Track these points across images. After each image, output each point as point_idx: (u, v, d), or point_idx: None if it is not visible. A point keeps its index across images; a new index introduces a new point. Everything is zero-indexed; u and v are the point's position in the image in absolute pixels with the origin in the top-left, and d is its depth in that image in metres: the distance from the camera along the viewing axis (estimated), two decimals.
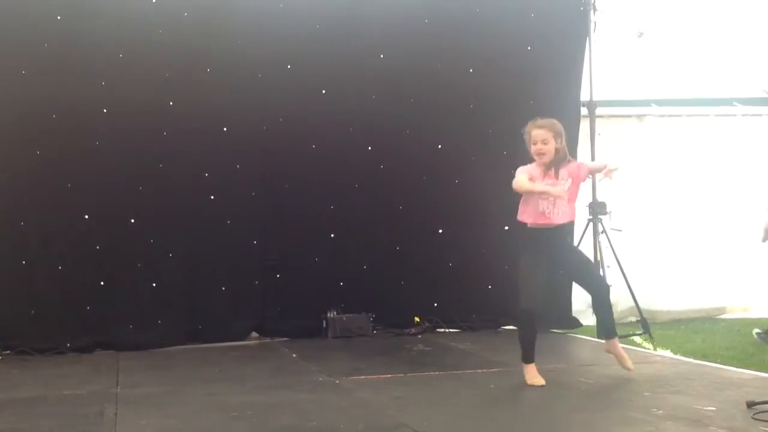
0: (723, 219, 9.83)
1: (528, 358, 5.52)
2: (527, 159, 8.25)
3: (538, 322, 5.59)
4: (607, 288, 5.69)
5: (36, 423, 4.63)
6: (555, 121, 5.48)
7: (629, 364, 5.70)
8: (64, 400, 5.22)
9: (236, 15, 7.58)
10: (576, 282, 6.01)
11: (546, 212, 5.40)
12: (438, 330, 8.09)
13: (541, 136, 5.38)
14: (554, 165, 5.41)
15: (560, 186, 5.35)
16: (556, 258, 5.51)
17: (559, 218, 5.41)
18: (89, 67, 7.19)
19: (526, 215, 5.52)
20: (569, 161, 5.53)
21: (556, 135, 5.39)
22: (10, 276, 7.11)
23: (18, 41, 7.07)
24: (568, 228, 5.53)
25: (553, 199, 5.34)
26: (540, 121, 5.45)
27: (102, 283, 7.32)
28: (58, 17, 7.17)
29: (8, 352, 6.99)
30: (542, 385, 5.34)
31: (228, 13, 7.57)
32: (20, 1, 7.16)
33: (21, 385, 5.79)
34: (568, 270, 5.80)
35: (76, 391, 5.49)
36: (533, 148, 5.41)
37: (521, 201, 5.55)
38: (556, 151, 5.38)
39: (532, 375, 5.45)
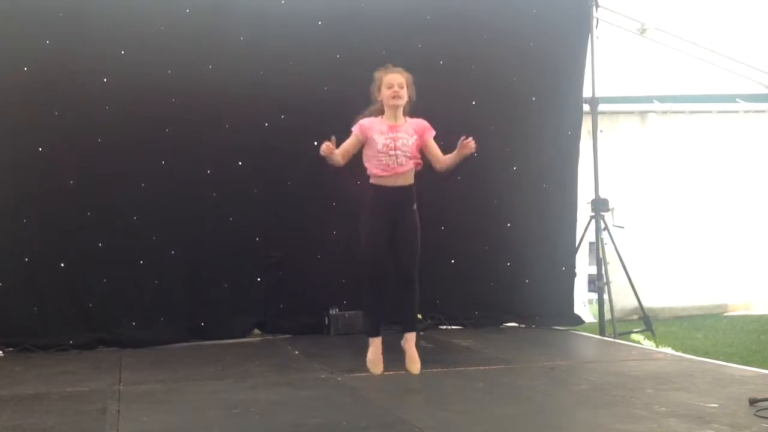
0: (725, 216, 9.84)
1: (374, 331, 5.12)
2: (529, 154, 8.35)
3: (386, 284, 5.14)
4: (414, 268, 5.15)
5: (39, 420, 4.63)
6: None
7: (415, 368, 5.27)
8: (66, 397, 5.22)
9: (238, 11, 7.58)
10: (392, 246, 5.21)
11: (389, 164, 5.12)
12: (440, 327, 8.09)
13: (397, 80, 5.05)
14: (402, 115, 5.13)
15: (404, 140, 5.07)
16: (394, 219, 5.13)
17: (401, 170, 5.10)
18: (91, 64, 7.18)
19: (369, 165, 5.21)
20: (413, 117, 5.20)
21: (409, 83, 5.12)
22: (13, 273, 7.10)
23: (20, 38, 7.06)
24: (409, 192, 5.14)
25: (394, 153, 5.05)
26: (392, 67, 5.11)
27: (104, 280, 7.32)
28: (60, 14, 7.16)
29: (11, 349, 6.99)
30: (379, 374, 5.06)
31: (230, 10, 7.57)
32: None
33: (23, 382, 5.79)
34: (396, 233, 5.16)
35: (78, 388, 5.49)
36: (388, 92, 5.05)
37: (364, 156, 5.21)
38: (408, 99, 5.11)
39: (375, 357, 5.14)
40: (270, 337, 7.77)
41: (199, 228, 7.52)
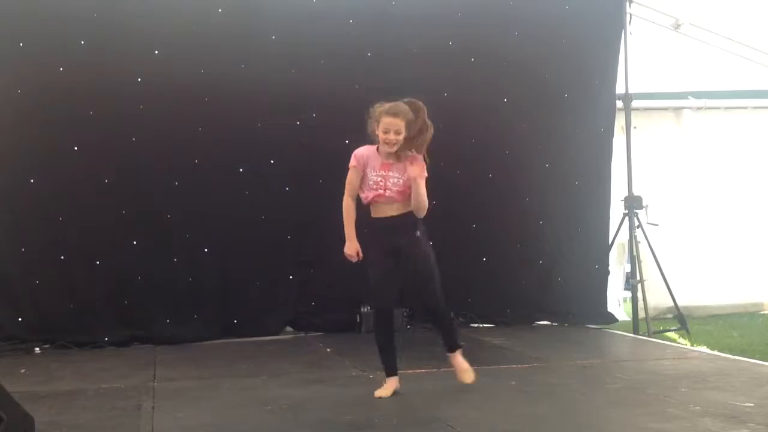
0: (761, 214, 9.71)
1: (392, 369, 5.08)
2: (561, 151, 8.31)
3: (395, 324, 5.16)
4: (434, 298, 5.11)
5: (74, 416, 4.69)
6: (407, 107, 4.96)
7: (468, 377, 5.17)
8: (102, 394, 5.28)
9: (270, 11, 7.62)
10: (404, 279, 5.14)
11: (379, 184, 4.97)
12: (472, 325, 8.07)
13: (395, 125, 4.88)
14: (399, 152, 4.96)
15: (394, 179, 4.94)
16: (397, 249, 5.03)
17: (391, 194, 4.97)
18: (125, 64, 7.26)
19: (363, 194, 5.08)
20: (412, 154, 4.98)
21: (409, 124, 4.94)
22: (49, 270, 7.21)
23: (55, 39, 7.17)
24: (406, 218, 5.03)
25: (383, 193, 4.95)
26: (394, 108, 4.92)
27: (139, 277, 7.41)
28: (95, 15, 7.25)
29: (47, 345, 7.09)
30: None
31: (262, 9, 7.62)
32: (57, 0, 7.26)
33: (60, 378, 5.88)
34: (403, 264, 5.07)
35: (113, 385, 5.55)
36: (383, 137, 4.91)
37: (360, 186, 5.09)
38: (405, 140, 4.93)
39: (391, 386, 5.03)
40: (302, 334, 7.81)
41: (231, 226, 7.57)
